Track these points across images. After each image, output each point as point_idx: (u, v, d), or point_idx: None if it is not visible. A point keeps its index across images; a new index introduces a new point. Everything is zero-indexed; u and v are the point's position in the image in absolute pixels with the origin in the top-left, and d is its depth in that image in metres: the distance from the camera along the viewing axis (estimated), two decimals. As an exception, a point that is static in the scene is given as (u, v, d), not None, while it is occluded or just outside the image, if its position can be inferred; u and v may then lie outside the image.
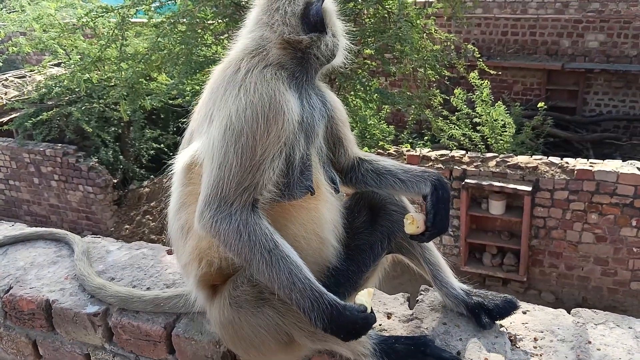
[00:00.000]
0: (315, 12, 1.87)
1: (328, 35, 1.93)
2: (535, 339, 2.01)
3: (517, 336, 2.03)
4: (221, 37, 8.51)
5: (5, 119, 11.29)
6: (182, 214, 1.91)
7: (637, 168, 7.53)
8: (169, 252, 2.69)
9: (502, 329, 2.07)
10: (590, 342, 1.97)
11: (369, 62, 8.73)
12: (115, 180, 11.12)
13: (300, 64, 1.91)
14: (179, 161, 1.91)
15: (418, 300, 2.27)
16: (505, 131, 9.71)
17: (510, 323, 2.09)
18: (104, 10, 8.11)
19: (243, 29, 2.01)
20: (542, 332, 2.04)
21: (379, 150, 8.51)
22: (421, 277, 2.26)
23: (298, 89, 1.88)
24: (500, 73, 11.64)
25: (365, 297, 1.78)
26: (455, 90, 9.83)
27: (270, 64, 1.85)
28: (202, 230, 1.77)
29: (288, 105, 1.77)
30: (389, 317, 2.19)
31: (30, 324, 2.46)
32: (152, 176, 11.51)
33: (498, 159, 8.17)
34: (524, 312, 2.15)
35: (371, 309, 1.75)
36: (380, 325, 2.14)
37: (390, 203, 2.11)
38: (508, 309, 2.08)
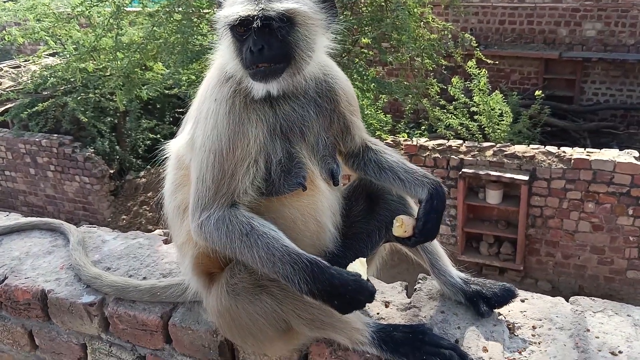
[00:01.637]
0: None
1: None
2: (534, 327, 2.00)
3: (515, 324, 2.02)
4: (217, 25, 8.44)
5: (0, 110, 11.22)
6: (177, 194, 1.96)
7: (634, 157, 7.54)
8: (166, 242, 2.68)
9: (500, 317, 2.06)
10: (588, 330, 1.96)
11: (365, 51, 8.68)
12: (111, 171, 11.09)
13: None
14: (172, 147, 2.00)
15: (416, 288, 2.26)
16: (503, 120, 9.70)
17: (509, 311, 2.09)
18: (99, -1, 8.05)
19: None
20: (540, 320, 2.03)
21: (376, 140, 8.48)
22: (419, 265, 2.25)
23: (268, 99, 1.83)
24: (497, 62, 11.60)
25: (358, 265, 1.77)
26: (453, 79, 9.80)
27: (233, 75, 1.82)
28: (196, 238, 1.86)
29: (249, 123, 1.78)
30: (386, 306, 2.18)
31: (25, 314, 2.45)
32: (148, 166, 11.48)
33: (495, 148, 8.16)
34: (522, 301, 2.14)
35: (367, 279, 1.73)
36: (378, 314, 2.13)
37: (389, 193, 2.10)
38: (506, 297, 2.07)
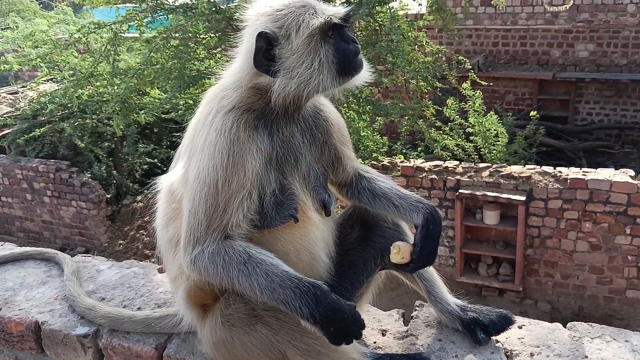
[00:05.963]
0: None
1: (279, 77, 1.78)
2: (532, 354, 1.98)
3: (513, 352, 2.01)
4: (214, 51, 8.52)
5: (-3, 136, 11.23)
6: (169, 227, 1.95)
7: (630, 176, 7.56)
8: (160, 271, 2.66)
9: (498, 344, 2.04)
10: (587, 357, 1.95)
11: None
12: (108, 196, 11.06)
13: (270, 102, 1.82)
14: (164, 182, 1.99)
15: (413, 316, 2.24)
16: (498, 141, 9.74)
17: (506, 338, 2.07)
18: (97, 26, 8.12)
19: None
20: (538, 347, 2.02)
21: (372, 162, 8.51)
22: (415, 291, 2.24)
23: (267, 127, 1.83)
24: (492, 84, 11.68)
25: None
26: (448, 100, 9.87)
27: (236, 106, 1.80)
28: (189, 273, 1.84)
29: (250, 154, 1.76)
30: (383, 334, 2.16)
31: (19, 346, 2.42)
32: (145, 191, 11.44)
33: (491, 169, 8.17)
34: (520, 327, 2.13)
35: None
36: (375, 342, 2.11)
37: (384, 220, 2.10)
38: (503, 324, 2.06)
